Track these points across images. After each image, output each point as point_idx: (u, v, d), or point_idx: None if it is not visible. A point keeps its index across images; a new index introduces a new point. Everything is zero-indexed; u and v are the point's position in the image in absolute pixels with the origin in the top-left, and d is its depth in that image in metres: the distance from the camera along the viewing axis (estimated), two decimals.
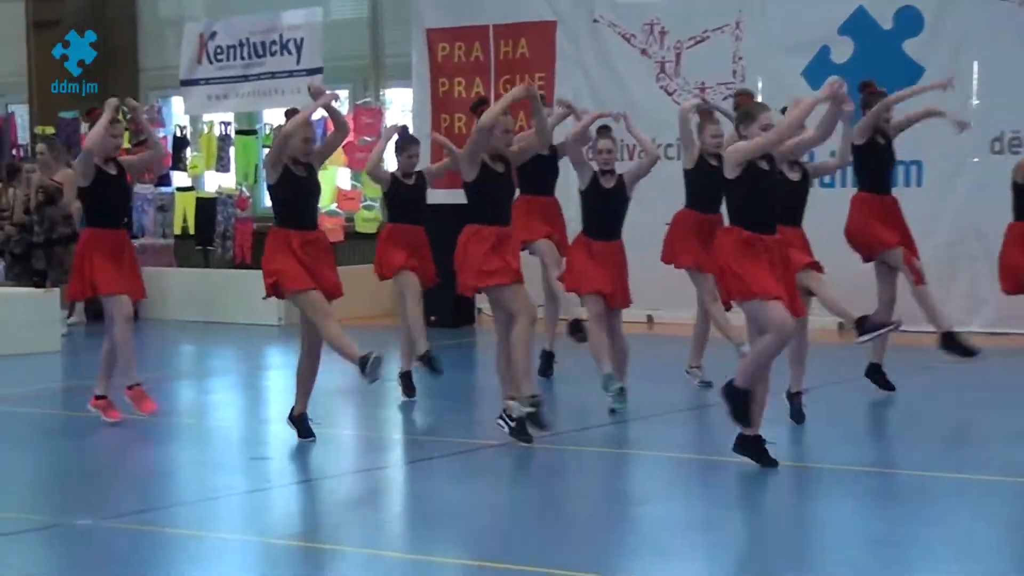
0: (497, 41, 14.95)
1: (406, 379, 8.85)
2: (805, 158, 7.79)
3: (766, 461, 6.63)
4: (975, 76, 12.46)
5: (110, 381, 8.09)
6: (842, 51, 13.04)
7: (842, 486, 6.42)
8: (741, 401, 6.57)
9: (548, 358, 9.67)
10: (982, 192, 12.04)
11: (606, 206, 8.12)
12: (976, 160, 12.46)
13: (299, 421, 7.47)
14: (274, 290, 7.26)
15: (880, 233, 8.37)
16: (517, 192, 8.15)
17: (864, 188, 8.63)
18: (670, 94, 13.95)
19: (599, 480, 6.80)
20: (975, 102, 12.48)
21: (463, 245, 7.35)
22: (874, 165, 8.61)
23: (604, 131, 8.32)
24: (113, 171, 8.07)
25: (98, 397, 8.10)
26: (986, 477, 6.48)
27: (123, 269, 7.96)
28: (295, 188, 7.25)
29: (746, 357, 6.83)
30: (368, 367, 7.01)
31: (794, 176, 7.60)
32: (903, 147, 12.70)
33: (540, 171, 9.20)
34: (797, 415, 7.72)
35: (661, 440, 7.61)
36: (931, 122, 12.89)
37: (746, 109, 6.76)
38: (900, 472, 6.75)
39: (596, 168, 8.18)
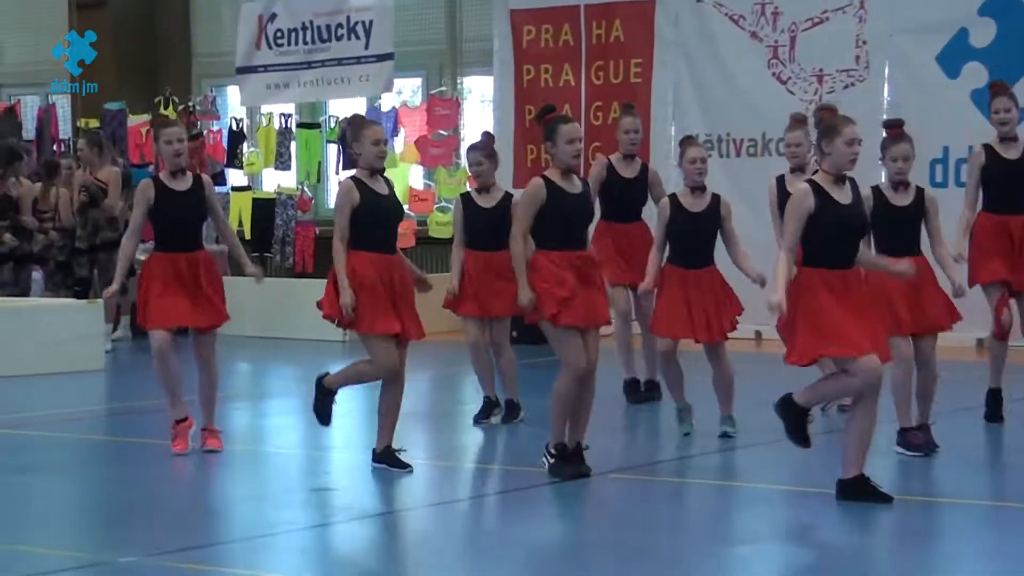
0: (589, 23, 14.95)
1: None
2: None
3: (880, 498, 6.62)
4: None
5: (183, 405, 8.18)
6: (982, 34, 12.86)
7: (967, 520, 6.34)
8: (798, 420, 6.76)
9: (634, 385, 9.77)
10: None
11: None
12: None
13: (387, 456, 7.57)
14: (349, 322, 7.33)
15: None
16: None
17: None
18: (783, 83, 13.85)
19: (694, 516, 6.76)
20: None
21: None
22: None
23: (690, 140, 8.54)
24: (181, 186, 8.04)
25: (178, 421, 8.19)
26: None
27: (183, 297, 7.99)
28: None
29: (822, 380, 6.89)
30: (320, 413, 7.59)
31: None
32: None
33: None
34: (927, 446, 7.79)
35: (765, 470, 7.58)
36: None
37: (829, 123, 6.74)
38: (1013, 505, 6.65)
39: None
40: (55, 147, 17.81)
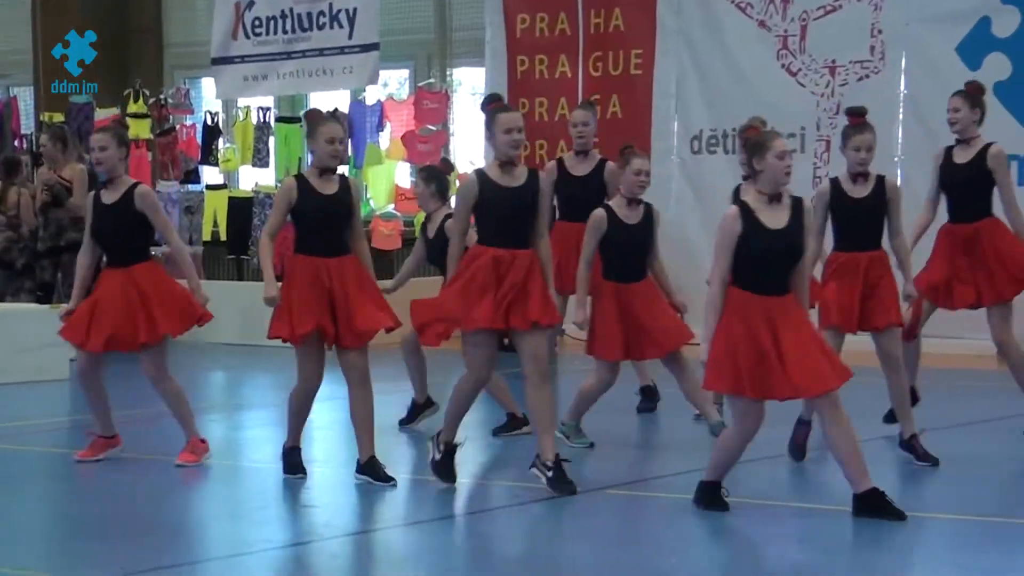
0: (587, 11, 15.01)
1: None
2: None
3: (892, 513, 6.69)
4: None
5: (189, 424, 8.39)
6: (1006, 23, 12.93)
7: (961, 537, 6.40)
8: (711, 499, 6.94)
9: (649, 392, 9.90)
10: None
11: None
12: None
13: (370, 468, 7.66)
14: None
15: None
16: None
17: None
18: (793, 75, 13.90)
19: (688, 531, 6.81)
20: None
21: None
22: None
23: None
24: (108, 199, 8.13)
25: (200, 440, 8.40)
26: None
27: (120, 314, 8.06)
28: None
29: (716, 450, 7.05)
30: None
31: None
32: None
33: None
34: (925, 457, 7.96)
35: (766, 486, 7.63)
36: None
37: (756, 140, 6.81)
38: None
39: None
40: (16, 143, 17.83)
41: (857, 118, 7.89)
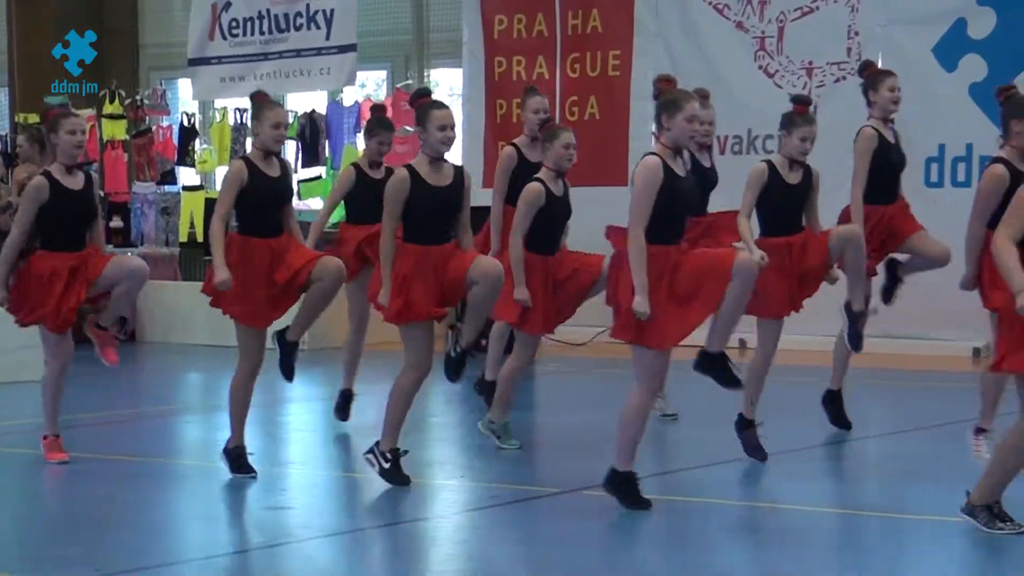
0: (564, 12, 15.02)
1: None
2: None
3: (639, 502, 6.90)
4: None
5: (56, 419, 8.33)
6: (982, 24, 12.98)
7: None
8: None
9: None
10: None
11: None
12: None
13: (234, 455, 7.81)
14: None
15: None
16: None
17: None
18: (771, 76, 13.95)
19: (659, 533, 6.82)
20: None
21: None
22: None
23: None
24: (76, 184, 8.07)
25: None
26: None
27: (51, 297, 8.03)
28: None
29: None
30: None
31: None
32: None
33: None
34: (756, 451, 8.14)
35: (733, 487, 7.64)
36: None
37: (670, 97, 6.86)
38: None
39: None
40: None
41: (803, 106, 8.07)
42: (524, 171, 8.87)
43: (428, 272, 7.34)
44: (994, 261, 6.07)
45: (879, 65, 13.42)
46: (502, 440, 8.63)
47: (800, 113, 8.05)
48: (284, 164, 7.87)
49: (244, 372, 7.86)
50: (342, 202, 9.43)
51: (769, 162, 8.15)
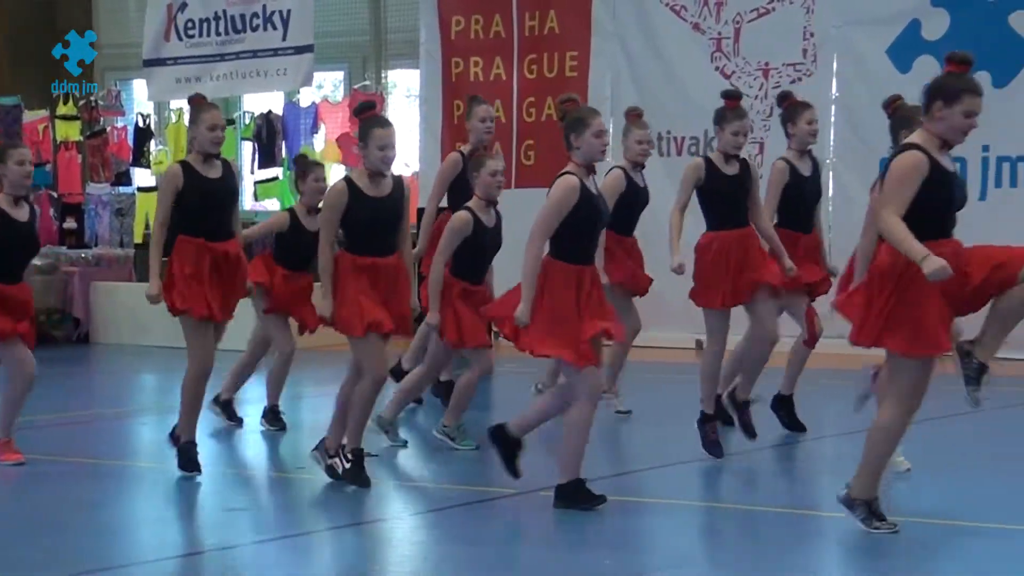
0: (522, 13, 15.03)
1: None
2: None
3: (595, 501, 6.92)
4: None
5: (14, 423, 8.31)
6: (935, 25, 13.07)
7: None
8: (509, 451, 7.15)
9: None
10: None
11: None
12: None
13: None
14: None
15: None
16: None
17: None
18: (727, 77, 13.99)
19: (609, 534, 6.84)
20: None
21: None
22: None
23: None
24: (22, 216, 8.06)
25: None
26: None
27: None
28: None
29: (534, 407, 7.26)
30: None
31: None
32: (1007, 140, 12.78)
33: None
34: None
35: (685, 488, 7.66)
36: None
37: (576, 115, 6.92)
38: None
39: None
40: None
41: (734, 101, 8.19)
42: (466, 180, 8.88)
43: (370, 285, 7.35)
44: (889, 239, 6.10)
45: (834, 67, 13.60)
46: (457, 441, 8.63)
47: (731, 108, 8.15)
48: (227, 166, 7.86)
49: (192, 372, 7.83)
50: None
51: (705, 157, 8.24)
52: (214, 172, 7.74)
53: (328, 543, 6.83)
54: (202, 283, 7.67)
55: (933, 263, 5.87)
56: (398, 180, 7.55)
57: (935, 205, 6.13)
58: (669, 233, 8.14)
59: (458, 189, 9.33)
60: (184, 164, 7.76)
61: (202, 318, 7.70)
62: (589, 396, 6.87)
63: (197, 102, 7.83)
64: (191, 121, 7.83)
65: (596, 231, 6.97)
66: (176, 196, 7.64)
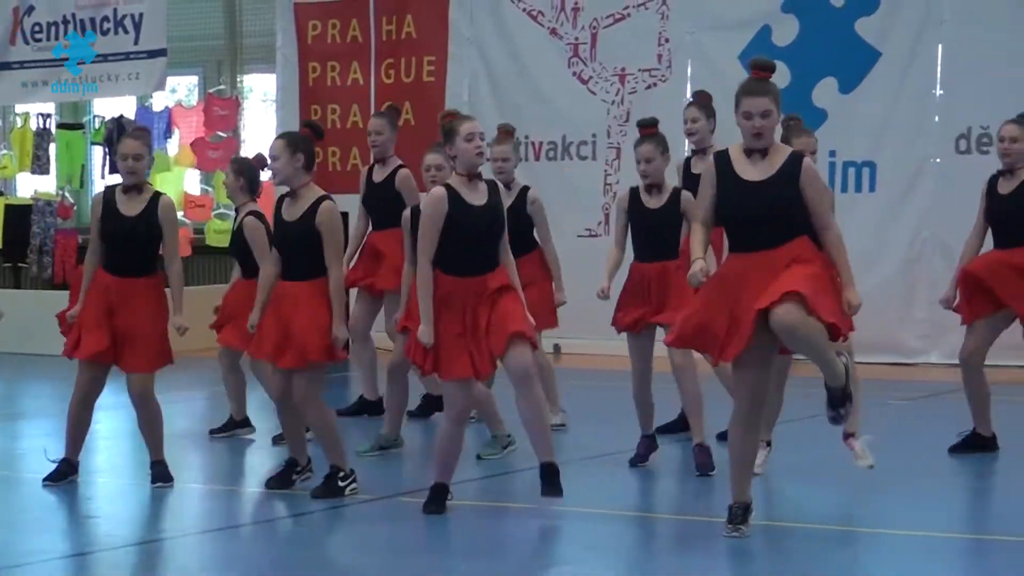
0: (379, 18, 15.03)
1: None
2: None
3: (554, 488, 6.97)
4: (939, 63, 12.85)
5: None
6: (785, 31, 13.32)
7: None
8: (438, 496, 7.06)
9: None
10: (945, 197, 12.40)
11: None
12: (938, 160, 12.84)
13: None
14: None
15: None
16: None
17: None
18: (584, 83, 14.14)
19: (464, 538, 6.89)
20: (939, 93, 12.86)
21: None
22: None
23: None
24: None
25: None
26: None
27: None
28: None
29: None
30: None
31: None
32: (853, 146, 13.09)
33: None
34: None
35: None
36: (885, 116, 13.27)
37: (447, 126, 6.99)
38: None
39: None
40: None
41: (648, 129, 7.97)
42: (368, 191, 9.11)
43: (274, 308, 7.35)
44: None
45: (688, 72, 13.77)
46: (503, 448, 8.52)
47: (641, 135, 7.97)
48: (155, 198, 7.77)
49: (76, 398, 7.79)
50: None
51: (634, 188, 8.06)
52: (133, 208, 7.72)
53: (180, 550, 6.76)
54: (88, 319, 7.67)
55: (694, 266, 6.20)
56: (312, 209, 7.33)
57: (724, 215, 6.32)
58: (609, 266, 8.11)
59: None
60: (107, 191, 7.84)
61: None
62: (452, 410, 6.93)
63: (120, 133, 7.87)
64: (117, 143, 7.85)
65: (480, 240, 6.85)
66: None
